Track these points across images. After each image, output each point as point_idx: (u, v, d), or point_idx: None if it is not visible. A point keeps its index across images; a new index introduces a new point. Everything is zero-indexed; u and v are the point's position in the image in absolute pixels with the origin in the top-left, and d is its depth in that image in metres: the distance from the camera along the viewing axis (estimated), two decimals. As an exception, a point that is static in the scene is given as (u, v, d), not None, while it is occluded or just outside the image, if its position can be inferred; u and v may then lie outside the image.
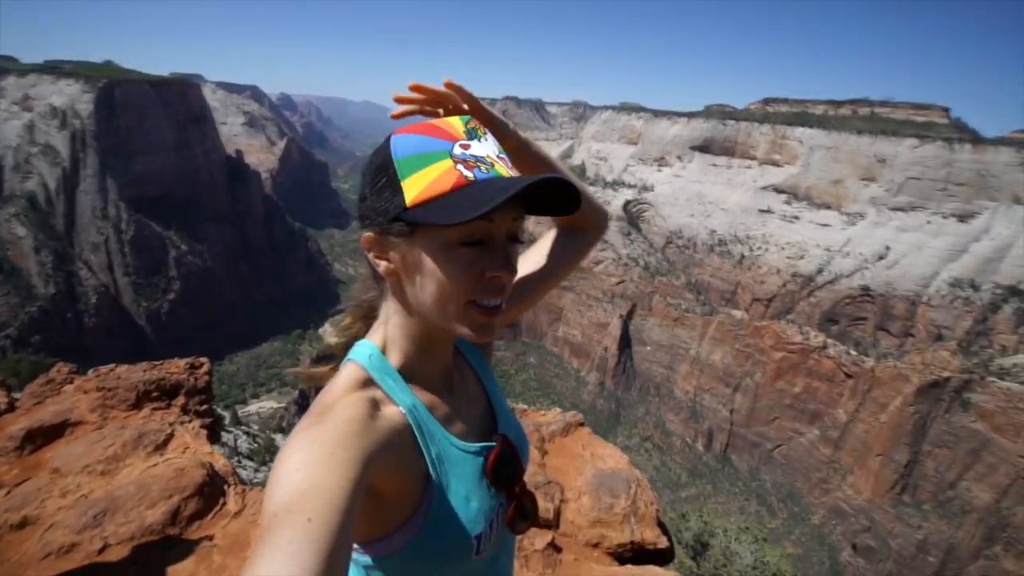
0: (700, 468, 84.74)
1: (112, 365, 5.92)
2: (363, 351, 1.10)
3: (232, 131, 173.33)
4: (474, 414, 1.28)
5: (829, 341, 79.10)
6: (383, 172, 1.00)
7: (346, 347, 1.19)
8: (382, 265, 1.06)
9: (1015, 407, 59.23)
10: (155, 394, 5.48)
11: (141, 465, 4.34)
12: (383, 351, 1.11)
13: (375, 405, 1.00)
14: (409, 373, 1.11)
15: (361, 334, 1.20)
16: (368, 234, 1.04)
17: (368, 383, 1.05)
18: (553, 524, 4.53)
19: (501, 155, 1.03)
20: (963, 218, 79.94)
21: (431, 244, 0.97)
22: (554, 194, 0.99)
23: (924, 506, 65.73)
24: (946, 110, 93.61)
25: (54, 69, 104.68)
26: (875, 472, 68.84)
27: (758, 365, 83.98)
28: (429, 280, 1.00)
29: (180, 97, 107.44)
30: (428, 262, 0.99)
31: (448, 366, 1.23)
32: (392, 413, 1.03)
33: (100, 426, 4.94)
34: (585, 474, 5.08)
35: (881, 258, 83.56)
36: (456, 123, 1.03)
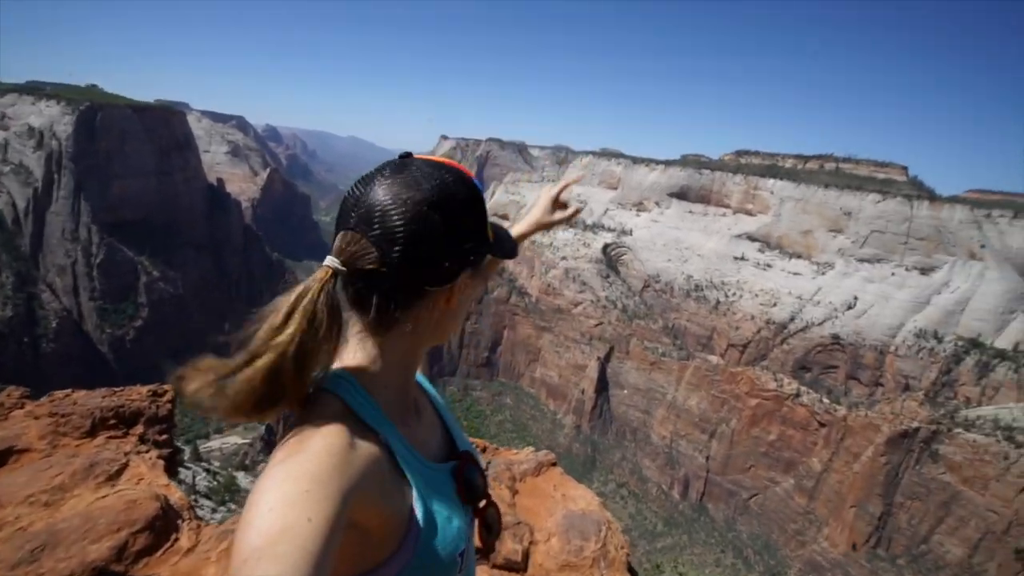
0: (676, 517, 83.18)
1: (69, 390, 5.68)
2: (339, 382, 1.08)
3: (215, 159, 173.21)
4: (436, 435, 1.32)
5: (802, 388, 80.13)
6: (481, 210, 1.13)
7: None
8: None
9: (981, 459, 60.28)
10: (112, 422, 5.24)
11: (90, 496, 4.11)
12: (360, 382, 1.09)
13: (354, 434, 0.98)
14: (386, 401, 1.13)
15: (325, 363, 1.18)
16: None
17: (345, 412, 1.03)
18: (521, 567, 4.40)
19: None
20: (924, 271, 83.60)
21: (479, 273, 1.19)
22: None
23: (899, 560, 65.29)
24: (905, 168, 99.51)
25: (35, 90, 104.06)
26: (849, 524, 68.50)
27: (734, 411, 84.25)
28: (467, 303, 1.20)
29: (163, 123, 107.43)
30: (469, 290, 1.18)
31: (414, 391, 1.28)
32: (371, 442, 1.02)
33: (49, 454, 4.68)
34: (555, 515, 4.98)
35: (850, 307, 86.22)
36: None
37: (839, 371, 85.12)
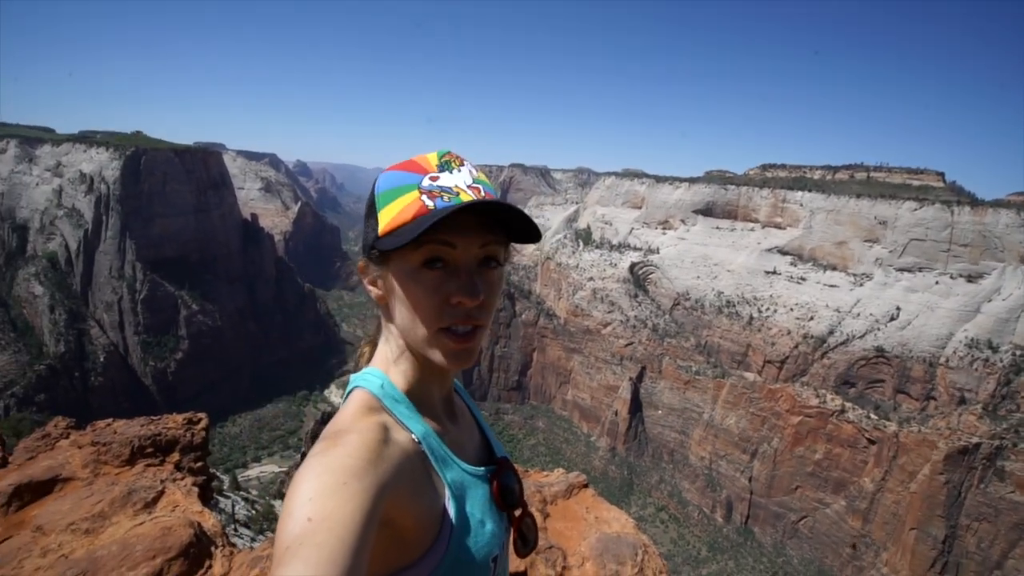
0: (721, 541, 79.61)
1: (110, 420, 5.87)
2: (371, 379, 1.15)
3: (249, 195, 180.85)
4: (473, 440, 1.35)
5: (847, 405, 76.55)
6: (369, 205, 1.17)
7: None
8: (372, 291, 1.20)
9: (1053, 476, 56.04)
10: (149, 450, 5.38)
11: (128, 523, 4.19)
12: (391, 379, 1.16)
13: (387, 431, 1.03)
14: (416, 399, 1.17)
15: (369, 355, 1.30)
16: (360, 262, 1.23)
17: (379, 410, 1.09)
18: (555, 594, 4.24)
19: (475, 184, 1.15)
20: (972, 278, 79.57)
21: (400, 270, 1.11)
22: (519, 223, 1.13)
23: (969, 587, 60.67)
24: (941, 174, 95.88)
25: (86, 138, 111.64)
26: (911, 548, 64.20)
27: (775, 430, 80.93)
28: (402, 305, 1.12)
29: (201, 164, 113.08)
30: (399, 288, 1.12)
31: (450, 393, 1.32)
32: (404, 440, 1.06)
33: (91, 482, 4.82)
34: (589, 539, 4.80)
35: (893, 319, 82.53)
36: (432, 157, 1.20)
37: (886, 385, 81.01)
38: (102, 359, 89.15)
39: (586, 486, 5.66)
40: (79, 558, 3.76)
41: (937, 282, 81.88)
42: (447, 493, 1.09)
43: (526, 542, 1.32)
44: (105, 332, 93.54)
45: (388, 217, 1.10)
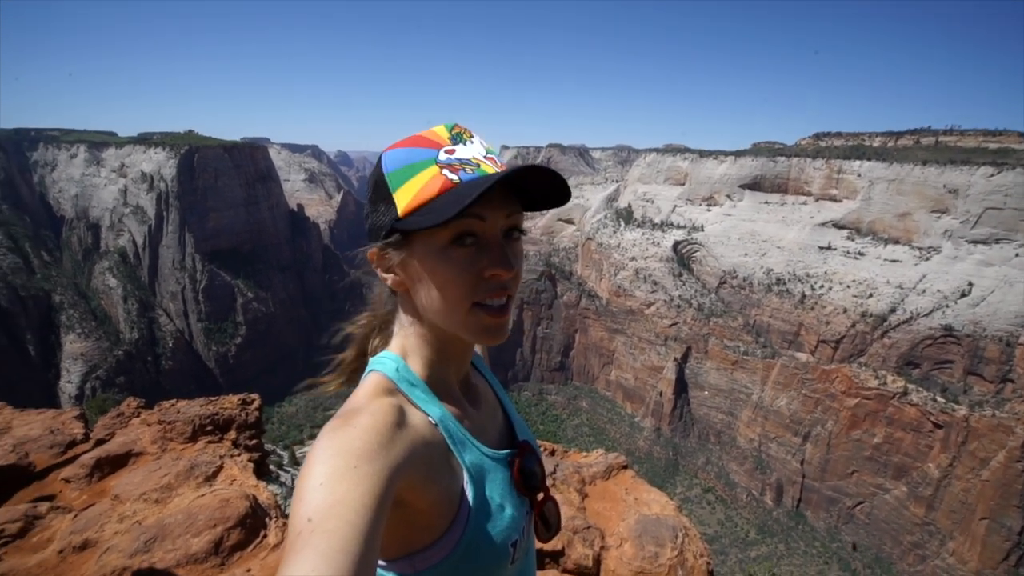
0: (770, 524, 77.85)
1: (174, 400, 6.32)
2: (387, 362, 1.11)
3: (294, 187, 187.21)
4: (495, 423, 1.31)
5: (911, 386, 72.33)
6: (377, 188, 1.06)
7: (358, 358, 1.30)
8: (389, 279, 1.11)
9: None
10: (209, 428, 5.77)
11: (191, 495, 4.53)
12: (407, 362, 1.12)
13: (402, 413, 1.00)
14: (434, 383, 1.12)
15: (380, 346, 1.26)
16: (371, 250, 1.09)
17: (394, 392, 1.05)
18: (592, 572, 4.28)
19: (489, 155, 1.09)
20: (1057, 249, 72.78)
21: (426, 250, 1.03)
22: (545, 188, 1.06)
23: (1046, 581, 56.93)
24: (1023, 135, 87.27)
25: (145, 140, 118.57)
26: (981, 538, 60.68)
27: (829, 412, 77.69)
28: (431, 286, 1.04)
29: (249, 159, 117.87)
30: (427, 268, 1.04)
31: (468, 376, 1.28)
32: (420, 423, 1.03)
33: (159, 457, 5.23)
34: (628, 520, 4.80)
35: (964, 295, 76.75)
36: (441, 131, 1.11)
37: (955, 366, 75.82)
38: (170, 345, 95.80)
39: (625, 467, 5.64)
40: (150, 524, 4.10)
41: (1017, 254, 75.32)
42: (465, 476, 1.06)
43: (548, 527, 1.27)
44: (172, 320, 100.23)
45: (408, 196, 1.01)
